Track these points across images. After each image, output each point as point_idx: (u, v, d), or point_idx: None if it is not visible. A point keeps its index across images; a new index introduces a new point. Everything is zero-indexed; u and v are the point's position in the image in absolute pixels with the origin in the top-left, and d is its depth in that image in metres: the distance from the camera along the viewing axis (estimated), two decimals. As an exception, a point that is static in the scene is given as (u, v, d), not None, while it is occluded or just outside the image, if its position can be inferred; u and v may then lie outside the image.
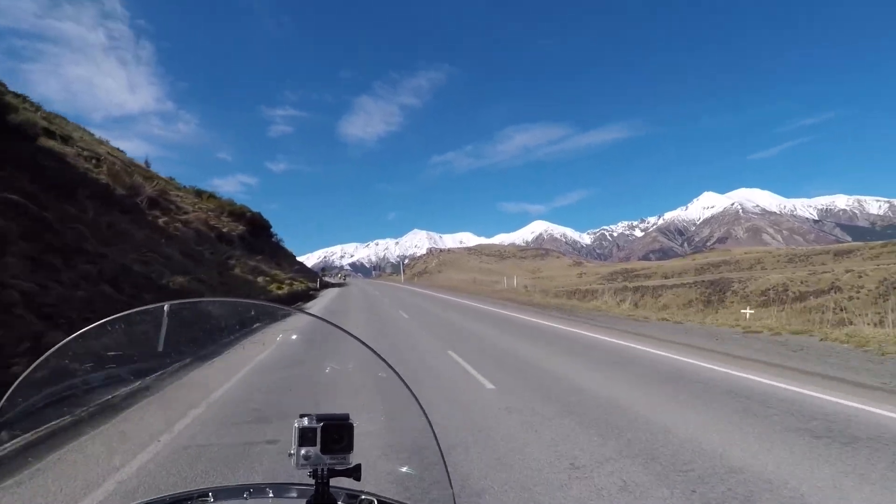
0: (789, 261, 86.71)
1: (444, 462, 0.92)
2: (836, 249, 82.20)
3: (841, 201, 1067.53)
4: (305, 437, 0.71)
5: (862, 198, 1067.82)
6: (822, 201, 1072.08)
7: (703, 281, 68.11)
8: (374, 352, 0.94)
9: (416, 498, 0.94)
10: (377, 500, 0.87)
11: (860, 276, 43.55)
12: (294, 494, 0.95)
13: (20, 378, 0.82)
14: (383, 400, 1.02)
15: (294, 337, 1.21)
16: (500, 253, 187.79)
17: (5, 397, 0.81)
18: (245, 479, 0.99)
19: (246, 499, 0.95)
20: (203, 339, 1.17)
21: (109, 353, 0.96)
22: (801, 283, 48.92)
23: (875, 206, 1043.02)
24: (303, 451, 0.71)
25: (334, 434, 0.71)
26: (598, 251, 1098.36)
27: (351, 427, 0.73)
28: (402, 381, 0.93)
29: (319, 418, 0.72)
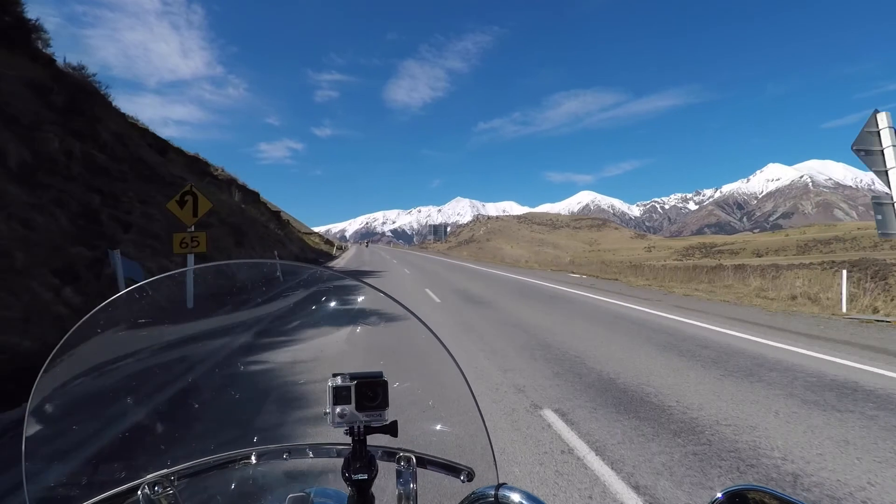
0: (930, 240, 69.15)
1: (483, 419, 0.93)
2: None
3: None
4: (340, 395, 0.72)
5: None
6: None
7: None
8: (407, 309, 0.96)
9: (455, 454, 0.94)
10: (415, 457, 0.89)
11: None
12: (333, 453, 0.97)
13: (49, 358, 0.83)
14: (418, 358, 1.04)
15: (322, 297, 1.25)
16: (552, 222, 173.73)
17: (43, 368, 0.83)
18: (284, 440, 1.03)
19: (286, 459, 0.98)
20: (230, 301, 1.20)
21: (140, 321, 0.98)
22: None
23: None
24: (338, 410, 0.72)
25: (368, 391, 0.72)
26: (647, 224, 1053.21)
27: (385, 384, 0.74)
28: (437, 337, 0.94)
29: (353, 377, 0.73)
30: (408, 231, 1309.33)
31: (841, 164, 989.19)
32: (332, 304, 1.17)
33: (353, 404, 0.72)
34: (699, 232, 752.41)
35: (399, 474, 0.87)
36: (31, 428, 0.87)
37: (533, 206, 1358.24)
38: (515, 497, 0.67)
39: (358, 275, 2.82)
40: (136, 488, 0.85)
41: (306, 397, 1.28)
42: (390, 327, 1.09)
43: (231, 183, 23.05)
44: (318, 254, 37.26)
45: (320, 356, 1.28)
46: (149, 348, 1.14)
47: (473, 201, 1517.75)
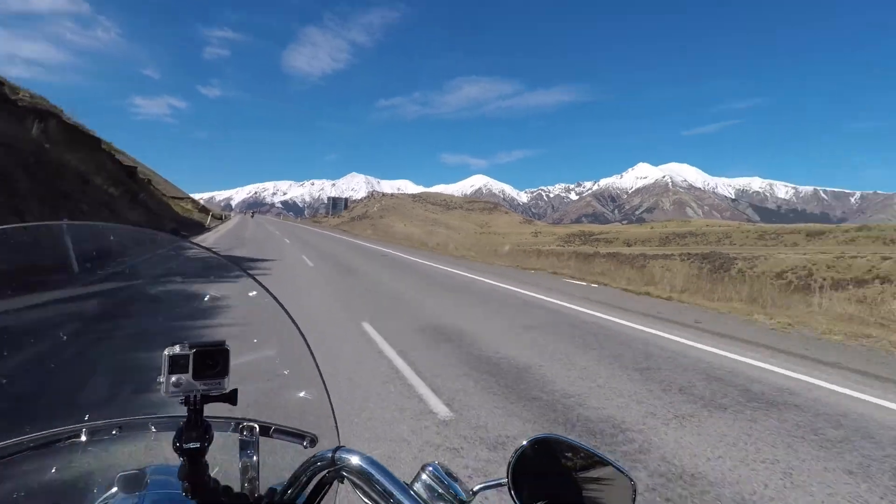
0: (759, 237, 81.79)
1: (325, 386, 0.94)
2: (807, 230, 78.57)
3: (756, 183, 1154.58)
4: (176, 364, 0.68)
5: (773, 182, 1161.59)
6: (740, 182, 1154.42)
7: (692, 254, 59.55)
8: (255, 279, 0.94)
9: (298, 422, 0.94)
10: (258, 425, 0.88)
11: (907, 266, 36.29)
12: (169, 426, 0.89)
13: None
14: (262, 328, 1.07)
15: (166, 265, 1.23)
16: (446, 203, 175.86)
17: None
18: (115, 415, 0.96)
19: (116, 435, 0.92)
20: (56, 267, 1.14)
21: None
22: (828, 267, 41.36)
23: (783, 190, 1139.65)
24: (173, 379, 0.68)
25: (207, 360, 0.69)
26: (533, 210, 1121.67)
27: (226, 352, 0.71)
28: (282, 306, 0.93)
29: (192, 345, 0.69)
30: (299, 203, 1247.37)
31: (694, 168, 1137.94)
32: (176, 273, 1.11)
33: (191, 373, 0.69)
34: (577, 220, 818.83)
35: (242, 444, 0.87)
36: None
37: (428, 187, 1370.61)
38: (353, 459, 0.68)
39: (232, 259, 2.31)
40: None
41: (143, 369, 1.10)
42: (236, 297, 1.07)
43: (37, 112, 15.81)
44: (185, 224, 30.75)
45: (161, 328, 1.21)
46: None
47: (369, 177, 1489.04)
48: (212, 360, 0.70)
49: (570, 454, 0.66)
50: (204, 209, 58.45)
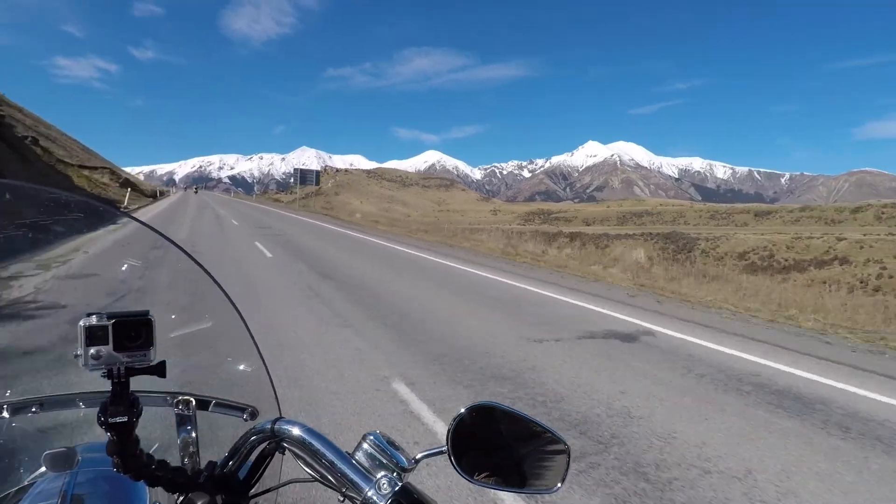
0: (711, 217, 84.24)
1: (262, 356, 0.91)
2: (755, 210, 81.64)
3: (697, 163, 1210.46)
4: (94, 336, 0.63)
5: (713, 162, 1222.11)
6: (683, 162, 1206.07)
7: (654, 234, 59.80)
8: (180, 247, 0.90)
9: (236, 394, 0.92)
10: (195, 399, 0.86)
11: (862, 246, 37.35)
12: (95, 402, 0.82)
13: None
14: (192, 298, 1.00)
15: (88, 233, 1.17)
16: (402, 179, 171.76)
17: None
18: (31, 392, 0.92)
19: (36, 412, 0.88)
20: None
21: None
22: (787, 248, 42.17)
23: (722, 170, 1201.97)
24: (92, 351, 0.63)
25: (130, 331, 0.65)
26: (487, 187, 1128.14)
27: (150, 322, 0.66)
28: (210, 275, 0.91)
29: (110, 316, 0.65)
30: (248, 179, 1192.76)
31: (641, 148, 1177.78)
32: (95, 240, 1.05)
33: (111, 345, 0.64)
34: (531, 198, 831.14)
35: (179, 419, 0.84)
36: None
37: (381, 162, 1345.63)
38: (294, 430, 0.67)
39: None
40: None
41: (61, 341, 1.05)
42: (161, 266, 1.02)
43: None
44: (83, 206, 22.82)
45: (74, 294, 1.13)
46: None
47: (320, 152, 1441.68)
48: (135, 332, 0.65)
49: (507, 421, 0.67)
50: (127, 183, 42.94)
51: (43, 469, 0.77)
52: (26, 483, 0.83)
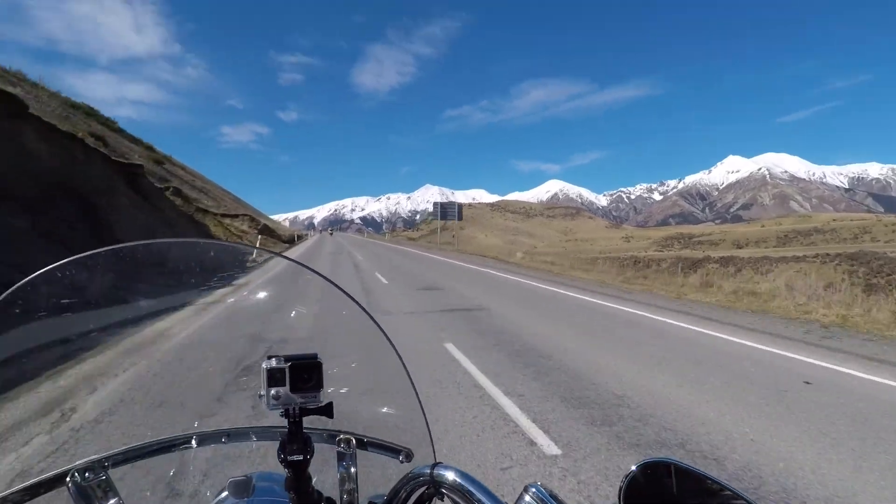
0: (910, 232, 68.91)
1: (419, 400, 0.96)
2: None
3: (874, 170, 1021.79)
4: (274, 377, 0.72)
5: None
6: (854, 169, 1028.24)
7: (832, 255, 50.30)
8: (345, 292, 0.98)
9: (394, 435, 0.98)
10: (355, 438, 0.91)
11: None
12: (272, 436, 0.99)
13: None
14: (355, 340, 1.08)
15: (260, 280, 1.28)
16: (526, 210, 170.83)
17: None
18: (220, 424, 1.04)
19: (225, 443, 0.99)
20: (164, 283, 1.24)
21: (63, 301, 0.95)
22: None
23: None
24: (272, 392, 0.72)
25: (303, 373, 0.72)
26: (614, 213, 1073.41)
27: (320, 365, 0.74)
28: (373, 319, 0.96)
29: (287, 358, 0.73)
30: (377, 218, 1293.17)
31: (796, 158, 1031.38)
32: (269, 286, 1.15)
33: (288, 386, 0.72)
34: (664, 222, 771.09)
35: (339, 456, 0.89)
36: None
37: (502, 195, 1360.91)
38: (449, 475, 0.69)
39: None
40: (64, 475, 0.81)
41: (243, 380, 1.20)
42: (327, 310, 1.09)
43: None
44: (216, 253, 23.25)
45: (257, 339, 1.23)
46: (74, 333, 1.08)
47: (443, 189, 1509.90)
48: (307, 374, 0.72)
49: (686, 480, 0.61)
50: (266, 229, 42.10)
51: (225, 493, 0.84)
52: None
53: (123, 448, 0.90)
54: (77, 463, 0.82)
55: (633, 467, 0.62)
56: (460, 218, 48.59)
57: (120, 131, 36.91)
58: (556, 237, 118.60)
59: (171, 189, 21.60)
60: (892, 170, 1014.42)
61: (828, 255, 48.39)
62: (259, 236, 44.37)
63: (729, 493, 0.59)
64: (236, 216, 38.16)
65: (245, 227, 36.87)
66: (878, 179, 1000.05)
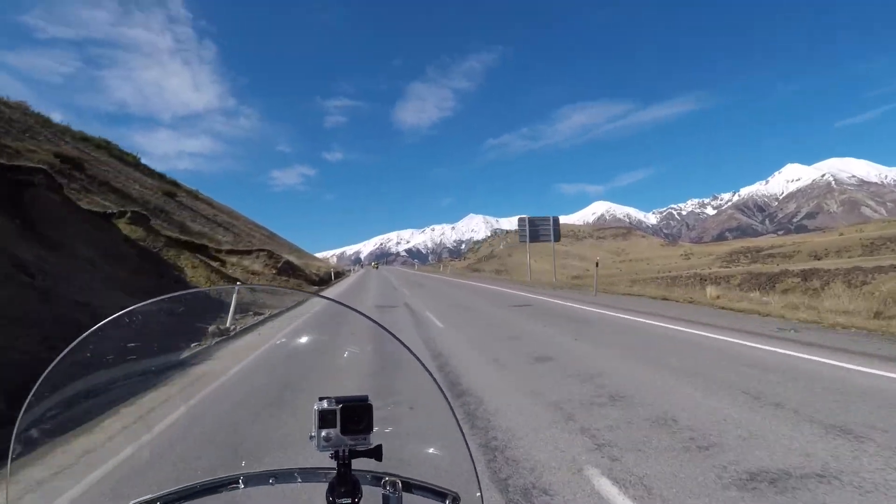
0: None
1: (467, 443, 0.95)
2: None
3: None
4: (325, 419, 0.72)
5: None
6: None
7: None
8: (395, 336, 0.97)
9: (440, 478, 0.97)
10: (401, 481, 0.90)
11: None
12: (319, 477, 0.98)
13: (44, 375, 0.87)
14: (403, 383, 1.08)
15: (310, 322, 1.30)
16: (574, 233, 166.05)
17: (31, 394, 0.86)
18: (270, 465, 1.05)
19: (272, 484, 0.99)
20: (204, 328, 1.36)
21: (129, 345, 1.01)
22: None
23: None
24: (323, 433, 0.72)
25: (353, 415, 0.72)
26: (665, 231, 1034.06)
27: (370, 408, 0.74)
28: (423, 364, 0.96)
29: (338, 400, 0.73)
30: (422, 250, 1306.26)
31: (863, 161, 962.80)
32: (318, 329, 1.17)
33: (339, 428, 0.71)
34: (720, 237, 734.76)
35: (385, 499, 0.87)
36: (16, 449, 0.88)
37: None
38: None
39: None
40: None
41: (293, 421, 1.23)
42: (376, 353, 1.09)
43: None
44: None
45: (307, 381, 1.24)
46: (132, 375, 1.11)
47: (487, 217, 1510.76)
48: (357, 416, 0.72)
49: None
50: (289, 269, 31.87)
51: None
52: None
53: (175, 488, 0.91)
54: (131, 502, 0.83)
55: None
56: (557, 238, 34.65)
57: (137, 165, 37.05)
58: (609, 258, 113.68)
59: (128, 215, 16.55)
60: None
61: (933, 262, 42.54)
62: (324, 274, 39.92)
63: None
64: (248, 252, 29.45)
65: (258, 267, 27.48)
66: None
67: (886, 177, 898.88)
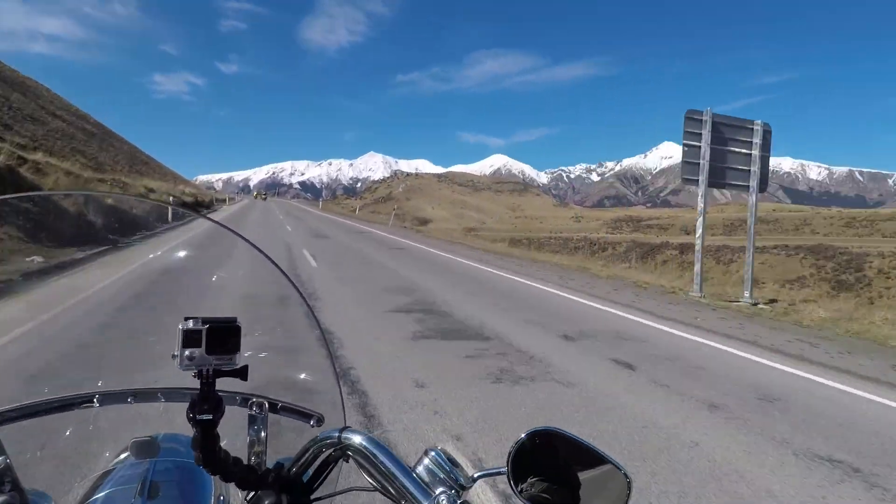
0: (847, 225, 70.91)
1: (334, 366, 0.98)
2: (908, 216, 67.57)
3: (787, 164, 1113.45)
4: (190, 338, 0.71)
5: (806, 162, 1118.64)
6: (770, 162, 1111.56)
7: (789, 247, 49.05)
8: (268, 256, 0.96)
9: (306, 400, 0.99)
10: (267, 402, 0.91)
11: None
12: (182, 397, 0.95)
13: None
14: (274, 306, 1.11)
15: (181, 240, 1.27)
16: (473, 183, 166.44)
17: None
18: (128, 385, 1.01)
19: (130, 402, 0.96)
20: (78, 236, 1.22)
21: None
22: None
23: (816, 171, 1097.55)
24: (187, 353, 0.70)
25: (220, 336, 0.72)
26: (554, 192, 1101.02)
27: (238, 329, 0.73)
28: (294, 284, 0.96)
29: (205, 321, 0.72)
30: (317, 184, 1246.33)
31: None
32: (188, 246, 1.13)
33: (204, 348, 0.71)
34: (599, 203, 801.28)
35: (251, 419, 0.89)
36: None
37: (446, 167, 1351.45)
38: (357, 439, 0.71)
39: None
40: None
41: (156, 341, 1.21)
42: (248, 275, 1.08)
43: None
44: None
45: (174, 300, 1.25)
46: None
47: (386, 157, 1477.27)
48: (224, 336, 0.71)
49: (568, 448, 0.66)
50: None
51: (125, 455, 0.84)
52: (110, 468, 0.89)
53: (15, 405, 0.86)
54: None
55: (523, 435, 0.65)
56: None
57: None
58: (505, 213, 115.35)
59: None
60: (802, 165, 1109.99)
61: (786, 246, 47.20)
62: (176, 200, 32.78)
63: (609, 464, 0.64)
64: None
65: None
66: (788, 173, 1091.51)
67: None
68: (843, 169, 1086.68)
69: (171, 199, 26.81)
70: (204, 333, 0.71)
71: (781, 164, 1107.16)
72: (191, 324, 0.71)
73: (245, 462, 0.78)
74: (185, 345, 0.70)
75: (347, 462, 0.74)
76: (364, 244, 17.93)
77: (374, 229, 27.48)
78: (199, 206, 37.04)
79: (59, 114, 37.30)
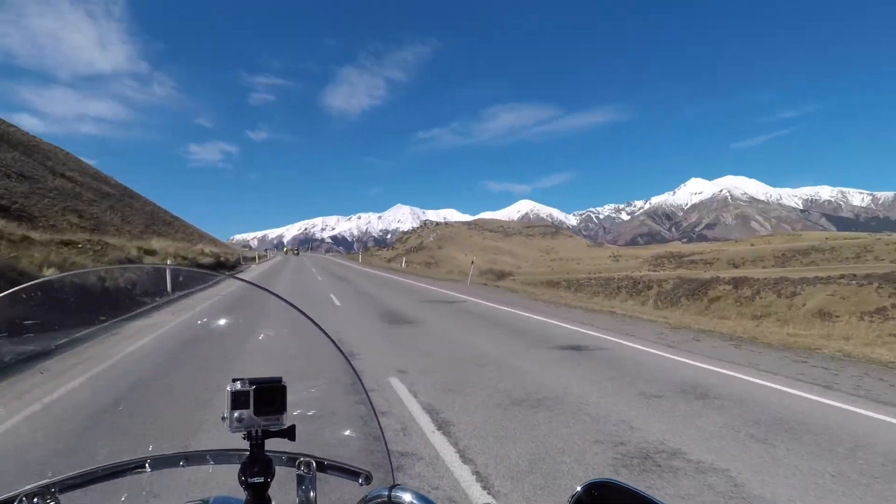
0: (915, 251, 65.76)
1: (380, 424, 0.98)
2: None
3: (825, 192, 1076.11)
4: (238, 400, 0.72)
5: (846, 189, 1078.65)
6: (807, 191, 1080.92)
7: (858, 275, 45.22)
8: (308, 317, 0.98)
9: (353, 458, 0.99)
10: (314, 461, 0.91)
11: None
12: (231, 459, 0.96)
13: None
14: (318, 365, 1.11)
15: (223, 304, 1.29)
16: (504, 229, 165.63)
17: None
18: (180, 448, 1.02)
19: (182, 466, 0.96)
20: (119, 306, 1.45)
21: (26, 322, 0.96)
22: None
23: (858, 198, 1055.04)
24: (235, 414, 0.71)
25: (267, 397, 0.73)
26: (584, 233, 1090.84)
27: (283, 389, 0.74)
28: (336, 345, 0.97)
29: (252, 381, 0.73)
30: (347, 238, 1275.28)
31: (753, 180, 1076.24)
32: (234, 311, 1.15)
33: (252, 409, 0.71)
34: (633, 241, 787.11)
35: (299, 479, 0.89)
36: None
37: (474, 214, 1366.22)
38: (407, 497, 0.70)
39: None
40: (12, 501, 0.78)
41: (206, 404, 1.17)
42: (292, 335, 1.12)
43: None
44: None
45: (221, 363, 1.21)
46: (29, 352, 1.11)
47: (414, 208, 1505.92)
48: (271, 397, 0.72)
49: (628, 501, 0.62)
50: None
51: None
52: None
53: (74, 472, 0.87)
54: (26, 488, 0.80)
55: (579, 487, 0.63)
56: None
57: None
58: (539, 256, 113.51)
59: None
60: (842, 192, 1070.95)
61: (854, 275, 43.50)
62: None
63: None
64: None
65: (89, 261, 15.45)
66: (829, 201, 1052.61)
67: (771, 196, 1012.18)
68: (889, 193, 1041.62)
69: (169, 262, 21.30)
70: (251, 394, 0.70)
71: (819, 192, 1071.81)
72: (238, 385, 0.71)
73: None
74: (234, 406, 0.70)
75: None
76: (503, 340, 7.98)
77: (449, 290, 19.00)
78: (220, 266, 31.44)
79: (68, 175, 36.89)
